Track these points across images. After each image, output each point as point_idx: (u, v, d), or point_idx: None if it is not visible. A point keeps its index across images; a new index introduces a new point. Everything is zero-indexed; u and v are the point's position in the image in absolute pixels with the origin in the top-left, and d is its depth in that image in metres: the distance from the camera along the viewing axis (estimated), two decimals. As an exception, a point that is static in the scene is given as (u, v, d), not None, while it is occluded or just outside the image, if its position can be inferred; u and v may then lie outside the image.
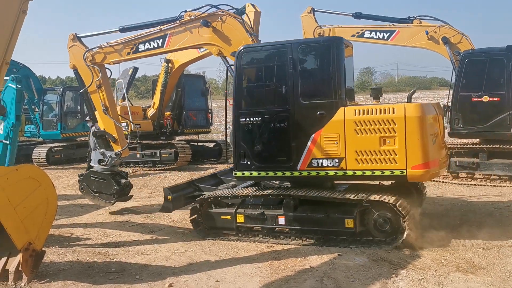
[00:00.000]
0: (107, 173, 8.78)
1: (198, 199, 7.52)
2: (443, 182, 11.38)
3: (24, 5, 5.74)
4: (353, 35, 13.03)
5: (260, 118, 6.96)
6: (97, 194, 8.98)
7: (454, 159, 11.47)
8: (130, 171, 15.05)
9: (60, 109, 17.78)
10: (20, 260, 5.42)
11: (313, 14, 13.42)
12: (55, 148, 17.42)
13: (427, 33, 12.11)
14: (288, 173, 6.94)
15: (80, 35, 8.63)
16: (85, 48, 8.51)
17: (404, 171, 6.36)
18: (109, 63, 8.50)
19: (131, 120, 15.84)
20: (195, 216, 7.48)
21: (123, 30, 8.21)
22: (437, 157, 6.65)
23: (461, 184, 11.20)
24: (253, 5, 12.85)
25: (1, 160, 8.12)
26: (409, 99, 6.83)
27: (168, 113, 16.37)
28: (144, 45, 8.01)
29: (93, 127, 8.73)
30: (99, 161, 8.75)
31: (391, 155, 6.40)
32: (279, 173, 7.00)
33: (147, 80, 61.14)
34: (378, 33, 12.72)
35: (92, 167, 8.99)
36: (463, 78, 11.13)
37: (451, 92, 11.46)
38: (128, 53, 8.16)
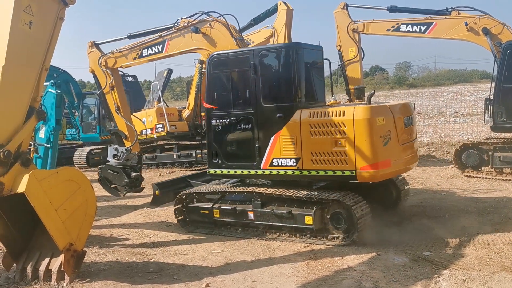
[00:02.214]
0: (119, 167, 9.41)
1: (178, 196, 8.11)
2: (486, 178, 10.97)
3: (61, 12, 5.91)
4: (388, 30, 12.77)
5: (228, 120, 7.48)
6: (112, 186, 9.63)
7: (498, 154, 11.04)
8: (167, 172, 15.30)
9: (99, 113, 18.19)
10: (62, 261, 5.57)
11: (346, 9, 13.22)
12: (95, 151, 17.86)
13: (466, 24, 11.68)
14: (253, 172, 7.40)
15: (97, 42, 9.34)
16: (101, 54, 9.19)
17: (354, 171, 6.62)
18: (121, 67, 9.23)
19: (167, 121, 16.21)
20: (179, 210, 8.09)
21: (131, 36, 8.84)
22: (389, 158, 6.77)
23: (506, 180, 10.75)
24: (285, 3, 12.83)
25: (43, 163, 8.38)
26: (368, 100, 7.02)
27: (203, 113, 16.45)
28: (147, 51, 8.68)
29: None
30: (113, 156, 9.41)
31: (342, 156, 6.68)
32: (245, 172, 7.48)
33: (182, 82, 61.94)
34: (414, 26, 12.37)
35: (108, 161, 9.68)
36: (506, 70, 10.69)
37: (493, 84, 11.02)
38: (135, 58, 8.85)
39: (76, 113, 18.86)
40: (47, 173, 5.61)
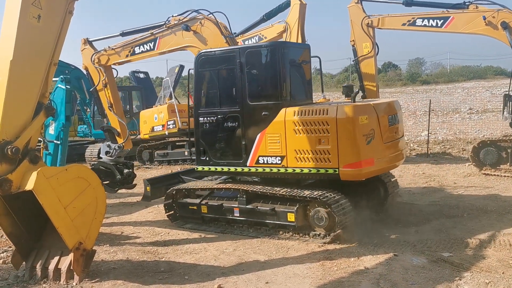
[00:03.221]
0: (112, 164, 9.47)
1: (168, 192, 8.23)
2: (504, 176, 10.67)
3: (70, 6, 5.78)
4: (403, 24, 12.48)
5: (215, 118, 7.55)
6: (105, 182, 9.46)
7: (517, 151, 10.73)
8: (179, 169, 15.19)
9: None
10: (71, 260, 5.45)
11: (360, 4, 12.95)
12: (107, 147, 17.76)
13: (484, 18, 11.34)
14: (239, 169, 7.46)
15: (91, 39, 9.38)
16: (94, 51, 9.24)
17: (337, 170, 6.64)
18: (114, 64, 9.28)
19: (178, 118, 16.10)
20: (169, 206, 8.24)
21: (123, 34, 8.89)
22: (372, 157, 6.76)
23: (526, 178, 10.45)
24: (298, -3, 12.64)
25: (53, 160, 8.28)
26: (353, 99, 7.04)
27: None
28: (139, 48, 8.73)
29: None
30: (106, 153, 9.51)
31: (325, 154, 6.69)
32: (232, 169, 7.54)
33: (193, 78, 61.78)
34: (431, 21, 12.06)
35: (101, 157, 9.75)
36: (526, 65, 10.37)
37: (512, 80, 10.71)
38: (127, 55, 8.92)
39: (88, 110, 18.86)
40: (56, 170, 5.49)
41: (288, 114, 6.93)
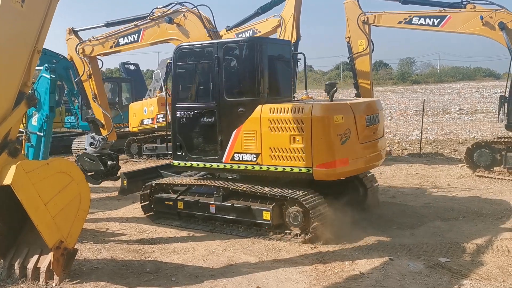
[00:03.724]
0: (96, 155, 9.47)
1: (143, 188, 8.10)
2: (498, 178, 10.53)
3: (56, -9, 5.44)
4: (400, 22, 12.27)
5: (192, 113, 7.40)
6: (89, 174, 9.60)
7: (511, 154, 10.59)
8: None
9: None
10: (51, 259, 5.15)
11: (357, 0, 12.72)
12: (94, 139, 17.37)
13: (481, 18, 11.16)
14: (215, 165, 7.33)
15: (76, 29, 9.33)
16: (79, 41, 9.18)
17: (310, 169, 6.53)
18: (99, 55, 9.22)
19: (168, 111, 15.77)
20: (145, 201, 8.08)
21: (108, 25, 8.81)
22: (347, 157, 6.65)
23: (520, 181, 10.33)
24: (293, -11, 12.35)
25: (35, 153, 7.93)
26: (331, 98, 6.92)
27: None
28: (123, 39, 8.66)
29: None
30: (90, 144, 9.51)
31: (299, 153, 6.58)
32: (208, 165, 7.40)
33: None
34: (427, 19, 11.85)
35: (86, 149, 9.82)
36: (523, 67, 10.22)
37: (509, 82, 10.55)
38: (111, 47, 8.84)
39: (76, 101, 18.40)
40: (37, 164, 5.15)
41: (264, 111, 6.80)
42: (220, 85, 7.10)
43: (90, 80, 9.20)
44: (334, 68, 71.06)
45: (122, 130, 18.31)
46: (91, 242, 6.93)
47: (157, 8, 8.11)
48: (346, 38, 12.98)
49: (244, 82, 7.20)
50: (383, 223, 7.39)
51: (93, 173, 9.56)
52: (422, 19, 12.02)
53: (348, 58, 13.24)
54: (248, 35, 13.12)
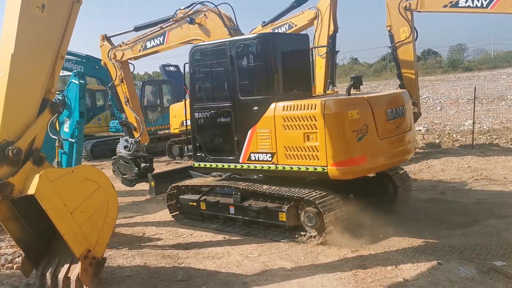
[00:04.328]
0: (129, 158, 9.61)
1: (169, 189, 8.13)
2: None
3: (78, -6, 5.33)
4: (445, 6, 11.50)
5: (209, 113, 7.35)
6: (124, 176, 9.84)
7: None
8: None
9: (141, 103, 17.89)
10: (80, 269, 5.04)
11: (397, -15, 12.05)
12: (137, 142, 17.55)
13: (536, -5, 10.29)
14: (232, 166, 7.23)
15: (108, 35, 9.46)
16: (111, 47, 9.35)
17: (325, 168, 6.25)
18: (130, 59, 9.32)
19: (187, 112, 15.71)
20: (172, 201, 8.15)
21: (136, 29, 8.89)
22: (364, 154, 6.31)
23: None
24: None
25: (68, 159, 7.96)
26: (348, 92, 6.66)
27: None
28: (150, 42, 8.72)
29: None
30: (124, 147, 9.67)
31: (314, 151, 6.32)
32: (226, 166, 7.32)
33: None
34: (475, 1, 11.03)
35: (120, 152, 10.04)
36: None
37: None
38: (140, 50, 8.91)
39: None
40: (61, 172, 5.05)
41: (277, 109, 6.60)
42: (234, 84, 6.99)
43: (122, 84, 9.33)
44: (380, 59, 69.16)
45: (163, 132, 18.48)
46: (126, 248, 6.85)
47: (180, 9, 8.13)
48: (387, 26, 12.34)
49: (257, 79, 7.00)
50: (431, 223, 6.88)
51: (126, 175, 9.72)
52: (470, 0, 11.20)
53: (390, 47, 12.59)
54: (284, 30, 12.79)
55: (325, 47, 9.44)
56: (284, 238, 6.67)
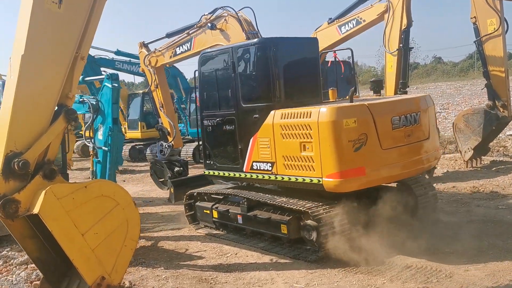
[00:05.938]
0: (164, 162, 9.66)
1: (186, 195, 8.08)
2: None
3: (102, -13, 4.79)
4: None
5: (215, 121, 7.24)
6: (160, 180, 9.91)
7: None
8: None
9: (188, 111, 17.65)
10: (93, 297, 4.45)
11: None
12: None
13: None
14: (237, 175, 7.13)
15: (146, 42, 9.63)
16: (147, 53, 9.53)
17: (320, 179, 5.94)
18: (165, 65, 9.48)
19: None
20: (188, 207, 8.13)
21: (168, 35, 8.95)
22: (363, 165, 5.91)
23: None
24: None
25: (102, 169, 7.50)
26: (350, 99, 6.37)
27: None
28: (179, 49, 8.73)
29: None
30: (160, 151, 9.77)
31: (309, 162, 6.04)
32: (231, 174, 7.21)
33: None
34: None
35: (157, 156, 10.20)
36: None
37: None
38: (171, 56, 8.96)
39: (185, 108, 18.47)
40: (72, 188, 4.43)
41: (276, 117, 6.38)
42: (237, 91, 6.84)
43: (157, 90, 9.45)
44: (467, 57, 64.60)
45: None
46: (162, 268, 6.25)
47: (204, 15, 8.12)
48: (471, 18, 10.83)
49: (257, 86, 6.80)
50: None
51: (162, 179, 9.79)
52: None
53: (475, 42, 11.04)
54: (352, 26, 11.67)
55: (349, 49, 8.68)
56: (286, 251, 6.37)
